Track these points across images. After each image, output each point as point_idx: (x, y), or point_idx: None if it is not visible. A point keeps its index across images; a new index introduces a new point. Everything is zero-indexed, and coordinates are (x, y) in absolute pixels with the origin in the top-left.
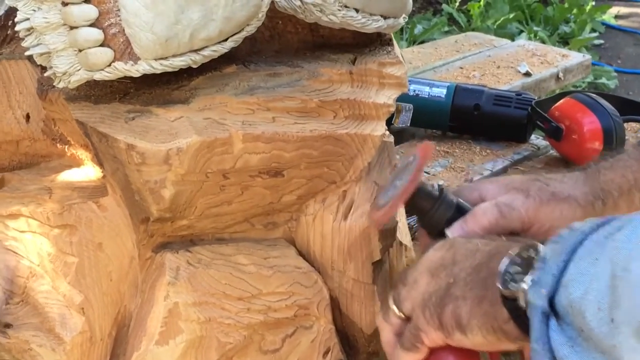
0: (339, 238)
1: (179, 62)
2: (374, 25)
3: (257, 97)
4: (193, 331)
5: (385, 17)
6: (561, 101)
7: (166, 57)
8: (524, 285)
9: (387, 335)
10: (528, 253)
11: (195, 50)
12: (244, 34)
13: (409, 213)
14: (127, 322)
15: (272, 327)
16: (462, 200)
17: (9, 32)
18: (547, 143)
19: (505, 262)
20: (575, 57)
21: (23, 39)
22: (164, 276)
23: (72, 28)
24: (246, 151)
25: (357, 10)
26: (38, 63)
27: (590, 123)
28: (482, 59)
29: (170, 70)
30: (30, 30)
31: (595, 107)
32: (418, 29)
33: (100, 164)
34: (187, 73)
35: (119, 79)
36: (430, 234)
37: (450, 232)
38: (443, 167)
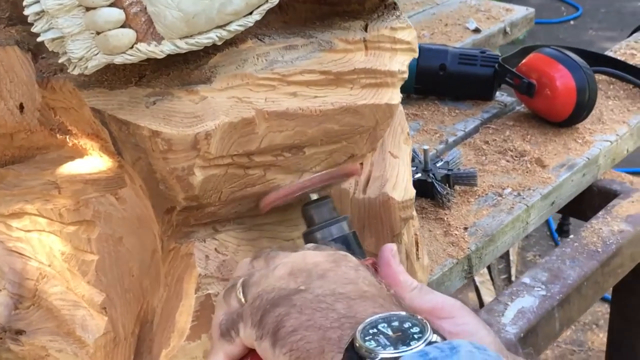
0: (359, 212)
1: (205, 40)
2: None
3: (277, 72)
4: None
5: None
6: (529, 57)
7: (192, 35)
8: (385, 355)
9: (217, 316)
10: (409, 327)
11: (221, 26)
12: (268, 5)
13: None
14: (149, 318)
15: None
16: (355, 236)
17: None
18: (513, 100)
19: (380, 315)
20: (519, 11)
21: (3, 23)
22: (193, 267)
23: (88, 9)
24: (271, 130)
25: None
26: (50, 49)
27: (562, 77)
28: (427, 17)
29: (195, 49)
30: (40, 14)
31: (565, 60)
32: None
33: (119, 153)
34: (203, 51)
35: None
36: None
37: None
38: (415, 130)
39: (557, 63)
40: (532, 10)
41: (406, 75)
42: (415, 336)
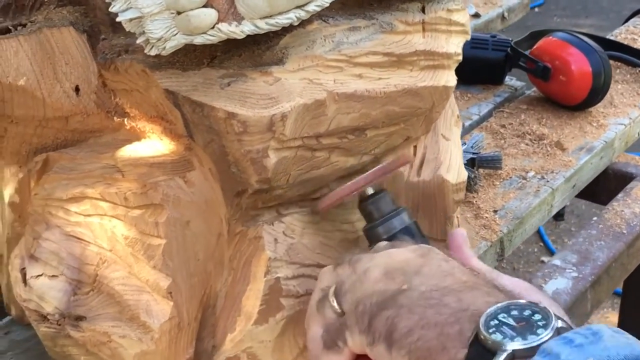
0: (413, 195)
1: (284, 20)
2: None
3: (344, 53)
4: (293, 306)
5: None
6: (542, 41)
7: (272, 16)
8: (515, 346)
9: (315, 330)
10: (530, 315)
11: (300, 6)
12: None
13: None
14: (212, 303)
15: None
16: (416, 225)
17: None
18: (523, 84)
19: (497, 306)
20: None
21: (52, 3)
22: (262, 251)
23: None
24: (340, 112)
25: None
26: (127, 29)
27: (577, 61)
28: None
29: (274, 29)
30: None
31: (579, 44)
32: None
33: (190, 136)
34: (272, 32)
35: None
36: (370, 244)
37: None
38: None
39: (571, 47)
40: None
41: (460, 58)
42: (540, 324)
